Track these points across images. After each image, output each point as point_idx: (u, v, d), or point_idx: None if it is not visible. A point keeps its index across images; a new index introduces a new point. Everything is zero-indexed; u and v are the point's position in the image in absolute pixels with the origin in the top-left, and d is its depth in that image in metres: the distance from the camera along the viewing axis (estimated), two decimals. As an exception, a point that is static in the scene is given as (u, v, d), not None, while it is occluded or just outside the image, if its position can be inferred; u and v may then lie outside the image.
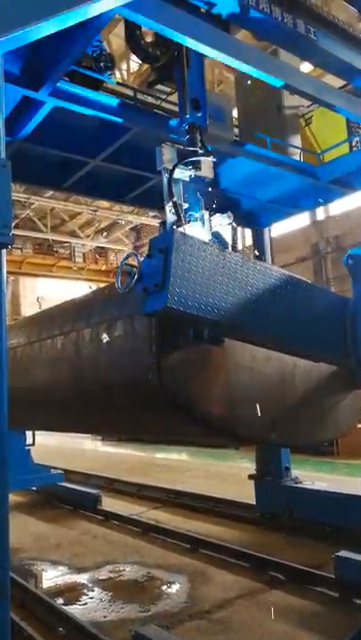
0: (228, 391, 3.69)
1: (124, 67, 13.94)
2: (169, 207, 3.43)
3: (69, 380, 4.83)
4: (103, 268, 24.35)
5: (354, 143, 5.95)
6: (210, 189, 3.74)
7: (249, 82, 6.42)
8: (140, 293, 2.94)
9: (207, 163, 3.70)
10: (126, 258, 3.17)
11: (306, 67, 6.59)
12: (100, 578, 5.32)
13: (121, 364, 4.05)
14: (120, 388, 4.11)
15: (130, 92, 5.44)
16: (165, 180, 3.47)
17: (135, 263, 3.05)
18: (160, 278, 2.80)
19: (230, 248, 3.53)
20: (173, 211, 3.40)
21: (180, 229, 3.28)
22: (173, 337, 3.50)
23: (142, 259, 3.02)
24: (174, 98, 4.32)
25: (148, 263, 2.93)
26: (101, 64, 4.82)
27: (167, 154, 3.51)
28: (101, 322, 4.30)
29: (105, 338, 4.14)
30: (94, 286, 21.16)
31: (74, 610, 4.49)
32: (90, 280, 23.53)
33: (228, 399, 3.72)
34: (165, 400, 3.63)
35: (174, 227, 3.32)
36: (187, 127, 3.81)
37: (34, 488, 9.22)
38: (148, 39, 4.50)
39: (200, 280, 2.90)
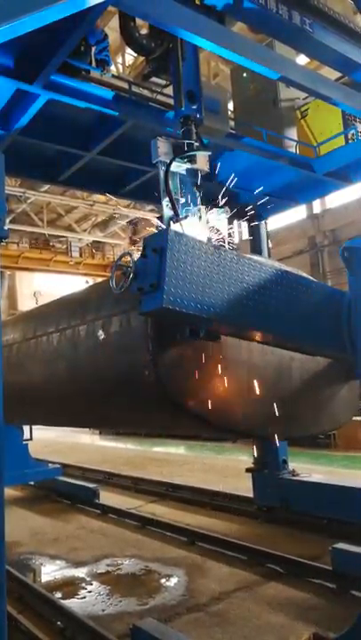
0: (224, 386, 3.69)
1: (120, 59, 13.87)
2: (165, 202, 3.41)
3: (66, 377, 4.83)
4: (100, 262, 24.31)
5: (350, 136, 5.93)
6: (206, 182, 3.71)
7: (245, 74, 6.38)
8: (136, 292, 2.92)
9: (203, 155, 3.67)
10: (121, 257, 3.14)
11: (302, 59, 6.56)
12: (98, 572, 5.34)
13: (117, 360, 4.04)
14: (117, 385, 4.10)
15: (125, 85, 5.40)
16: (162, 174, 3.44)
17: (130, 262, 3.02)
18: (155, 278, 2.79)
19: (226, 243, 3.51)
20: (170, 205, 3.38)
21: (177, 225, 3.25)
22: (169, 334, 3.49)
23: (137, 257, 2.99)
24: (170, 90, 4.29)
25: (143, 263, 2.91)
26: (104, 54, 4.80)
27: (162, 147, 3.48)
28: (97, 319, 4.29)
29: (101, 335, 4.13)
30: (91, 281, 21.15)
31: (72, 604, 4.50)
32: (87, 274, 23.50)
33: (225, 394, 3.72)
34: (162, 396, 3.63)
35: (170, 223, 3.29)
36: (182, 120, 3.78)
37: (31, 483, 9.23)
38: (143, 31, 4.46)
39: (195, 279, 2.88)
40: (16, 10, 2.11)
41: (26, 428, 8.58)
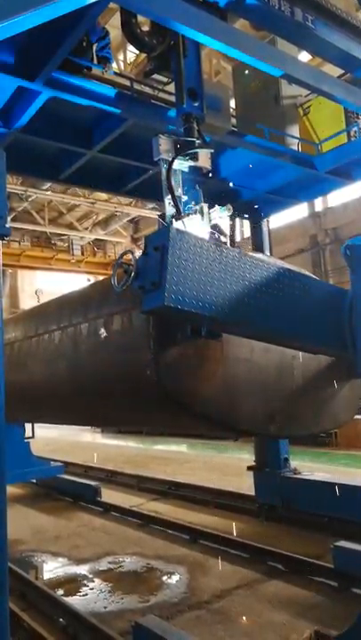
0: (226, 385, 3.68)
1: (121, 56, 13.86)
2: (168, 200, 3.39)
3: (67, 375, 4.82)
4: (101, 260, 24.30)
5: (352, 133, 5.90)
6: (208, 180, 3.70)
7: (247, 72, 6.36)
8: (137, 290, 2.91)
9: (205, 153, 3.66)
10: (122, 255, 3.13)
11: (304, 56, 6.53)
12: (100, 569, 5.35)
13: (119, 359, 4.03)
14: (118, 384, 4.10)
15: (127, 82, 5.38)
16: (164, 172, 3.42)
17: (131, 260, 3.00)
18: (157, 277, 2.77)
19: (229, 241, 3.50)
20: (172, 203, 3.37)
21: (179, 223, 3.24)
22: (171, 332, 3.48)
23: (138, 255, 2.98)
24: (172, 88, 4.27)
25: (144, 261, 2.89)
26: (105, 51, 4.79)
27: (164, 144, 3.47)
28: (99, 317, 4.28)
29: (103, 333, 4.12)
30: (93, 279, 21.14)
31: (74, 601, 4.51)
32: (88, 273, 23.48)
33: (227, 393, 3.71)
34: (163, 395, 3.62)
35: (172, 221, 3.28)
36: (184, 117, 3.77)
37: (33, 480, 9.24)
38: (145, 28, 4.44)
39: (197, 277, 2.87)
40: (17, 6, 2.10)
41: (27, 426, 8.59)
